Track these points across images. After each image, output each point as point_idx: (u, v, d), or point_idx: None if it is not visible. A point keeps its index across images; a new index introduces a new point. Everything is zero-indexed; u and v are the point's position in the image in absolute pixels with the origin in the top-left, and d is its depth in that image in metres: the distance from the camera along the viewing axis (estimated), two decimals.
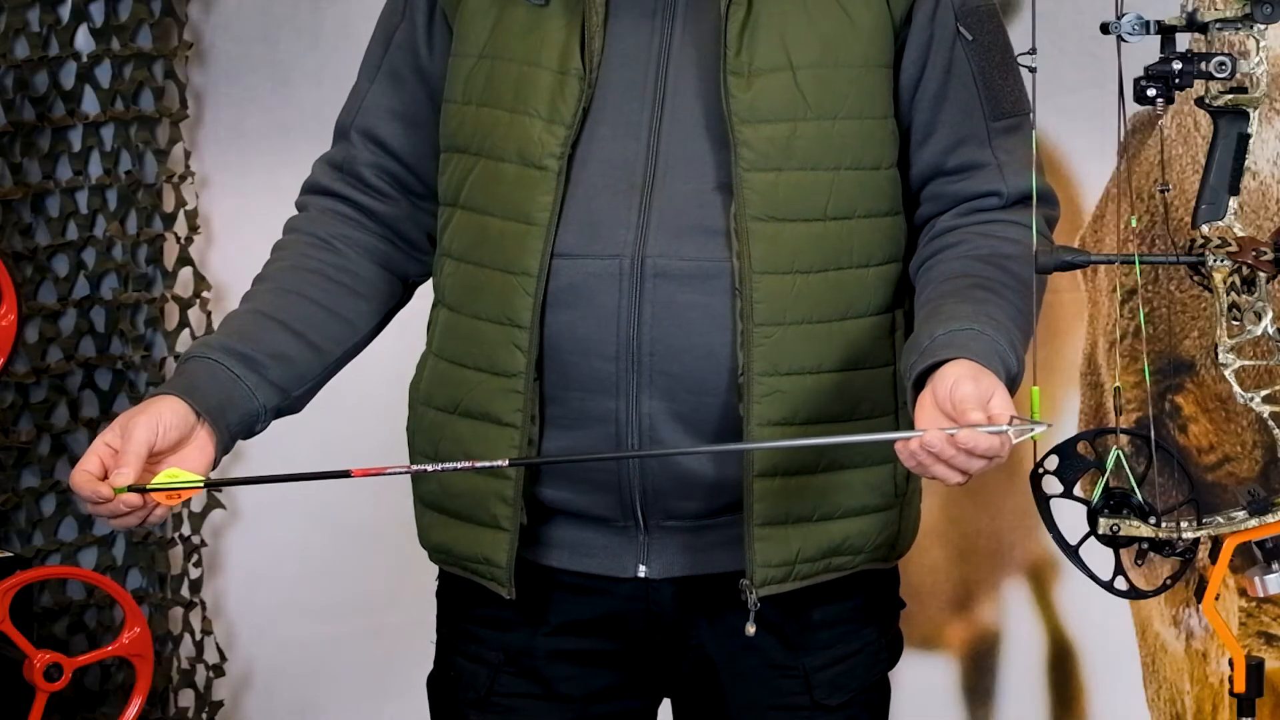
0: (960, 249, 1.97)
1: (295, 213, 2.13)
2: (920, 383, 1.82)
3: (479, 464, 1.91)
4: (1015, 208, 1.99)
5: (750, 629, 1.95)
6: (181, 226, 3.32)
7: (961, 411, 1.75)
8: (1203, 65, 1.82)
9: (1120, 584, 1.93)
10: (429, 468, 1.93)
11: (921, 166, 2.01)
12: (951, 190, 2.00)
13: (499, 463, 1.90)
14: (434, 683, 2.13)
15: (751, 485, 1.93)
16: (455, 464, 1.92)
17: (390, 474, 1.88)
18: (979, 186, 1.99)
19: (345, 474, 1.88)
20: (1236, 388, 1.87)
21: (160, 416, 1.88)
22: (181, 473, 1.87)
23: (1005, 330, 1.87)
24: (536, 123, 1.95)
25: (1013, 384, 1.86)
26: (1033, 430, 1.77)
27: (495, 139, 1.97)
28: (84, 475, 1.85)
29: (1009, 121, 2.00)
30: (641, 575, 2.01)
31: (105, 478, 1.85)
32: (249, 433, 1.97)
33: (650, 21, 1.96)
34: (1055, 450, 1.93)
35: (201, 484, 1.87)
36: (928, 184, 2.02)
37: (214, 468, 1.92)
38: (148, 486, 1.85)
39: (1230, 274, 1.85)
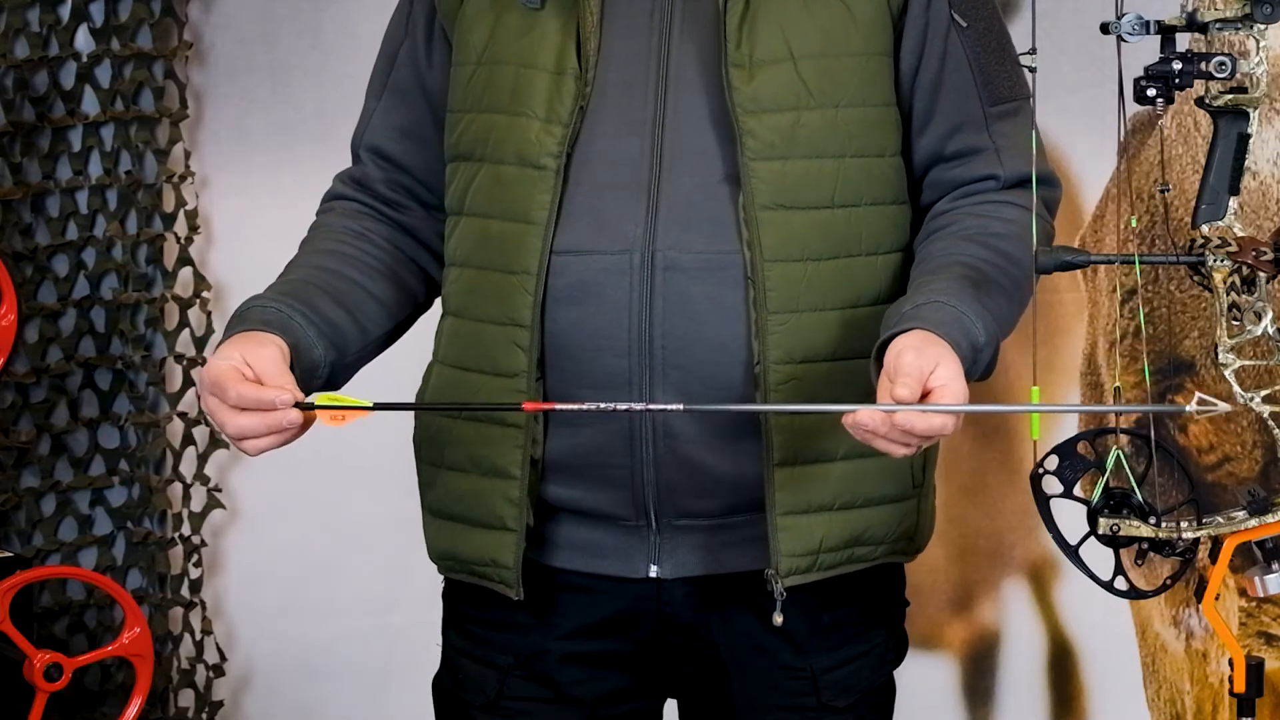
0: (951, 229, 1.98)
1: (313, 218, 2.14)
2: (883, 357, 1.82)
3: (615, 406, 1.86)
4: (1012, 190, 2.00)
5: (778, 618, 1.94)
6: (181, 226, 3.32)
7: (895, 383, 1.75)
8: (1203, 65, 1.82)
9: (1120, 584, 1.93)
10: (588, 406, 1.85)
11: (922, 154, 2.02)
12: (950, 176, 2.01)
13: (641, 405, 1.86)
14: (440, 685, 2.13)
15: (772, 475, 1.93)
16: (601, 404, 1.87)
17: (560, 410, 1.88)
18: (976, 171, 2.01)
19: (517, 407, 1.92)
20: (1236, 388, 1.87)
21: (279, 346, 1.86)
22: (341, 396, 1.83)
23: (975, 301, 1.87)
24: (534, 123, 1.96)
25: (980, 354, 1.86)
26: (1215, 408, 1.75)
27: (495, 142, 1.98)
28: (250, 386, 1.81)
29: (1006, 106, 2.01)
30: (653, 575, 2.01)
31: None
32: (306, 388, 1.91)
33: (648, 20, 1.97)
34: (1055, 450, 1.94)
35: (369, 406, 1.81)
36: (928, 171, 2.03)
37: None
38: (317, 403, 1.80)
39: (1230, 274, 1.85)
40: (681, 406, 1.84)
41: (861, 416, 1.75)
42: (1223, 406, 1.74)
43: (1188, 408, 1.74)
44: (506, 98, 1.98)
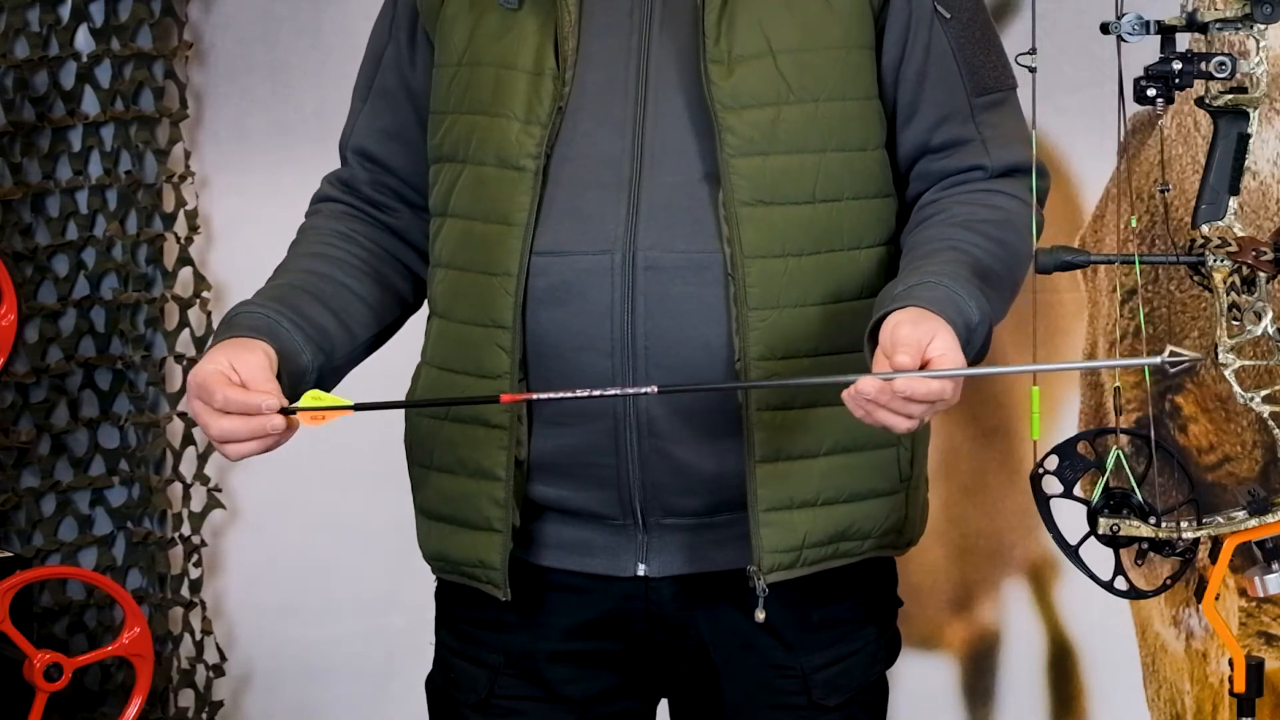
0: (940, 216, 1.98)
1: (303, 220, 2.15)
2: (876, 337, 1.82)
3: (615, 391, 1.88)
4: (1000, 179, 2.00)
5: (760, 615, 1.95)
6: (181, 226, 3.32)
7: (893, 354, 1.75)
8: (1203, 65, 1.83)
9: (1120, 584, 1.94)
10: (566, 395, 1.87)
11: (908, 147, 2.02)
12: (937, 167, 2.02)
13: (647, 389, 1.84)
14: (433, 684, 2.13)
15: (754, 471, 1.94)
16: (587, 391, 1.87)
17: (538, 400, 1.89)
18: (963, 162, 2.01)
19: (494, 399, 1.92)
20: (1236, 388, 1.87)
21: (265, 352, 1.87)
22: (325, 395, 1.83)
23: (968, 282, 1.87)
24: (513, 124, 1.96)
25: (974, 333, 1.85)
26: (1184, 361, 1.75)
27: (476, 144, 1.99)
28: (237, 390, 1.81)
29: (992, 97, 2.01)
30: (641, 574, 2.01)
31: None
32: (294, 393, 1.92)
33: (627, 19, 1.97)
34: (1055, 450, 1.94)
35: (350, 406, 1.82)
36: (915, 163, 2.03)
37: None
38: (296, 407, 1.81)
39: (1230, 274, 1.86)
40: (655, 389, 1.84)
41: (863, 385, 1.75)
42: (1192, 356, 1.75)
43: (1158, 359, 1.75)
44: (487, 99, 1.98)
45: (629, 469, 1.96)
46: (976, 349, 1.88)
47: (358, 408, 1.83)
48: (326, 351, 1.98)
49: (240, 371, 1.85)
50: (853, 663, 2.06)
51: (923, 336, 1.77)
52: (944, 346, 1.77)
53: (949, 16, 1.99)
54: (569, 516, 2.01)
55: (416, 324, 2.13)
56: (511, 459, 1.97)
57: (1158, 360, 1.75)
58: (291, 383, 1.91)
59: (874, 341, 1.82)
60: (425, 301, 2.12)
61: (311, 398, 1.83)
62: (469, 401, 1.97)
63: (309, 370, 1.95)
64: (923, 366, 1.76)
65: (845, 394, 1.76)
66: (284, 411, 1.81)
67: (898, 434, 1.90)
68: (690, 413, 1.94)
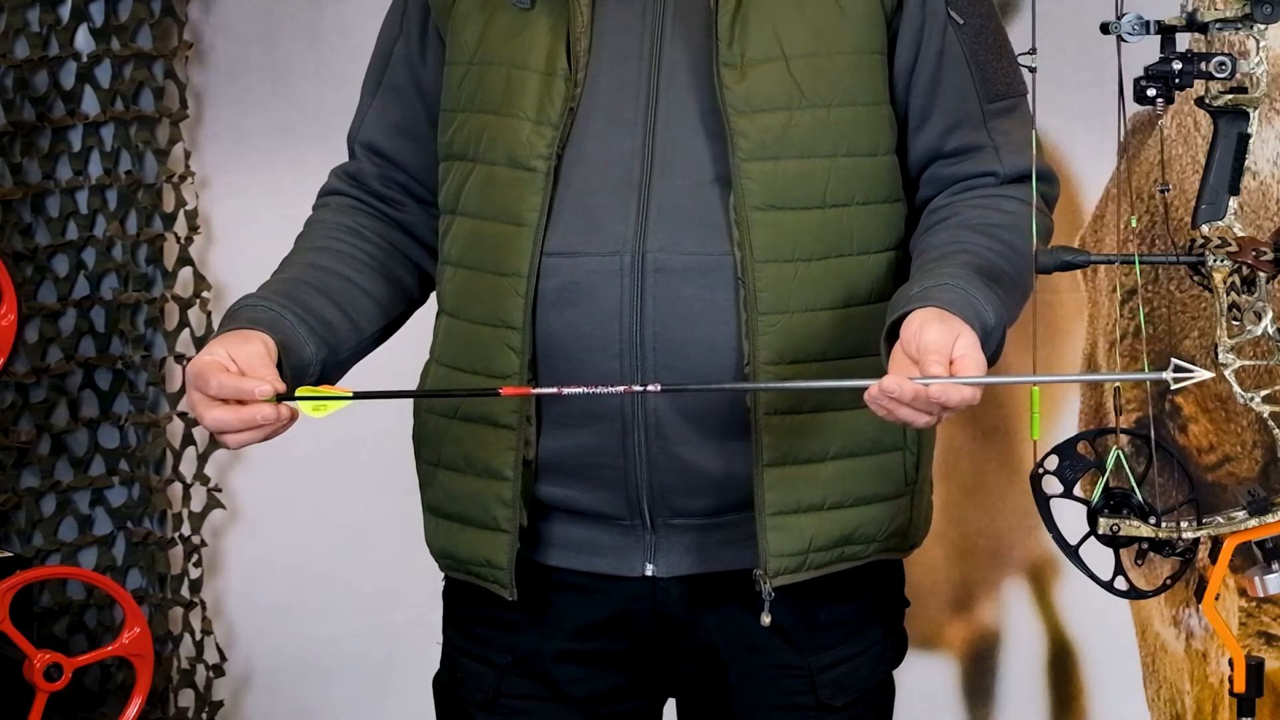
0: (952, 220, 1.98)
1: (307, 214, 2.15)
2: (894, 337, 1.82)
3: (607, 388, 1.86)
4: (1011, 185, 2.00)
5: (765, 619, 1.95)
6: (181, 226, 3.32)
7: (924, 359, 1.75)
8: (1203, 65, 1.83)
9: (1120, 584, 1.94)
10: (567, 389, 1.84)
11: (919, 152, 2.02)
12: (948, 172, 2.02)
13: (652, 388, 1.84)
14: (440, 683, 2.14)
15: (761, 475, 1.94)
16: (582, 388, 1.85)
17: (536, 394, 1.90)
18: (975, 168, 2.01)
19: (494, 393, 1.91)
20: (1236, 388, 1.87)
21: (264, 342, 1.86)
22: (322, 387, 1.84)
23: (983, 285, 1.87)
24: (525, 125, 1.96)
25: (990, 336, 1.85)
26: (1192, 377, 1.74)
27: (487, 143, 1.99)
28: (231, 376, 1.81)
29: (1004, 103, 2.01)
30: (649, 574, 2.01)
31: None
32: (298, 385, 1.91)
33: (640, 20, 1.97)
34: (1055, 450, 1.94)
35: (349, 396, 1.82)
36: (926, 168, 2.03)
37: None
38: (296, 395, 1.81)
39: (1230, 274, 1.86)
40: (658, 387, 1.84)
41: (888, 384, 1.74)
42: (1201, 374, 1.75)
43: (1164, 374, 1.75)
44: (498, 98, 1.98)
45: (637, 470, 1.96)
46: (991, 351, 1.88)
47: (356, 396, 1.83)
48: (331, 345, 1.98)
49: (239, 361, 1.84)
50: (859, 662, 2.06)
51: (947, 340, 1.77)
52: (966, 347, 1.77)
53: (962, 22, 1.99)
54: (576, 516, 2.01)
55: (424, 319, 2.13)
56: (519, 459, 1.97)
57: (1162, 375, 1.75)
58: (295, 375, 1.91)
59: (889, 340, 1.82)
60: (432, 296, 2.13)
61: (307, 390, 1.83)
62: (470, 394, 1.97)
63: (313, 363, 1.95)
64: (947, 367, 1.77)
65: (868, 394, 1.76)
66: (281, 398, 1.81)
67: (904, 438, 1.90)
68: (698, 415, 1.94)
